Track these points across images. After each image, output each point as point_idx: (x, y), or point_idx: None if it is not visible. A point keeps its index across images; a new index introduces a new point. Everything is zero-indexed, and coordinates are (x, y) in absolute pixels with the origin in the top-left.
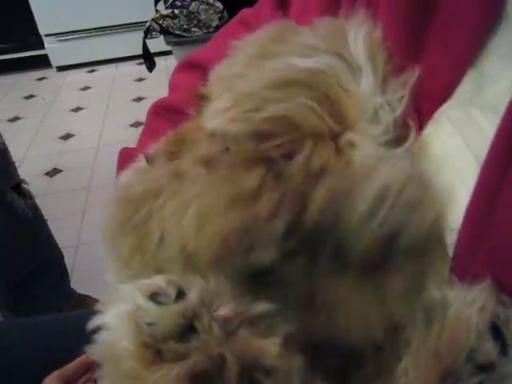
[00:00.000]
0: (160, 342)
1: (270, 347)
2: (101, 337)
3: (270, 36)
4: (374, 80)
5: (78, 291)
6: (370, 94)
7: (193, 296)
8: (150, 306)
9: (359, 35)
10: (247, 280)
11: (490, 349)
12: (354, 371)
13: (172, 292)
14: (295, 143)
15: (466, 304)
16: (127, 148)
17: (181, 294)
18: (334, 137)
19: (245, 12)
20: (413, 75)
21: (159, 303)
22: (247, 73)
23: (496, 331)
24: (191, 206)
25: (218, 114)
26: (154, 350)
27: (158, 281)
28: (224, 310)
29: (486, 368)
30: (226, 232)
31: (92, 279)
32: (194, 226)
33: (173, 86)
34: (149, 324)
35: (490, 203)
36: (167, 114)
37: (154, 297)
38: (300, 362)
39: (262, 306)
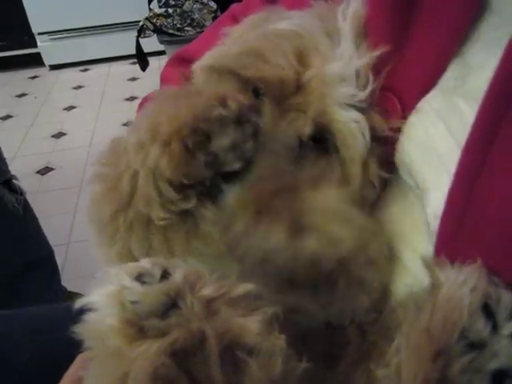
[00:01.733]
0: (143, 319)
1: (251, 325)
2: (88, 316)
3: (258, 17)
4: (352, 46)
5: (68, 289)
6: (345, 57)
7: (177, 276)
8: (135, 285)
9: (346, 11)
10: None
11: (481, 327)
12: (340, 354)
13: (157, 272)
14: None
15: (458, 284)
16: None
17: (166, 275)
18: (297, 72)
19: (234, 7)
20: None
21: (144, 283)
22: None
23: (487, 310)
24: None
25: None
26: (138, 328)
27: (144, 263)
28: (207, 290)
29: (477, 346)
30: (180, 122)
31: (83, 277)
32: (150, 140)
33: (164, 80)
34: (133, 302)
35: (470, 189)
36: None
37: (139, 277)
38: (283, 341)
39: (244, 287)
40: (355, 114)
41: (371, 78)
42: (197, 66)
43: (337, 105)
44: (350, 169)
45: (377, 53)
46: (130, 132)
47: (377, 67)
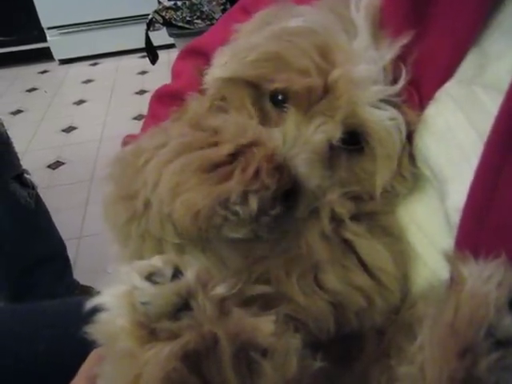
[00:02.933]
0: (154, 320)
1: (264, 326)
2: (99, 317)
3: (268, 14)
4: (369, 39)
5: (81, 282)
6: (363, 49)
7: (189, 275)
8: (146, 285)
9: (360, 1)
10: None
11: (509, 324)
12: (357, 355)
13: (168, 272)
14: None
15: (483, 279)
16: (131, 135)
17: (177, 274)
18: (323, 73)
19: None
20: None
21: (155, 283)
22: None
23: None
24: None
25: (215, 67)
26: (149, 329)
27: (155, 261)
28: (220, 289)
29: (505, 343)
30: (197, 208)
31: (95, 270)
32: (169, 196)
33: (175, 74)
34: (144, 303)
35: (494, 182)
36: (170, 101)
37: (150, 277)
38: (298, 341)
39: (258, 288)
40: (390, 111)
41: (404, 71)
42: (211, 77)
43: (369, 105)
44: (386, 166)
45: (400, 44)
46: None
47: (401, 59)
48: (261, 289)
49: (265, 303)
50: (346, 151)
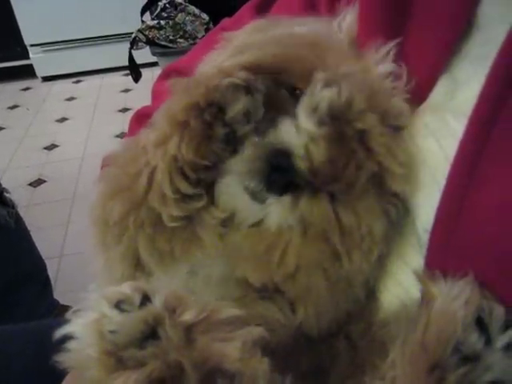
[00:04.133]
0: (122, 349)
1: (231, 351)
2: (69, 345)
3: (261, 23)
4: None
5: (61, 302)
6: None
7: (157, 302)
8: (114, 313)
9: (342, 23)
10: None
11: (475, 341)
12: (330, 370)
13: (137, 299)
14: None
15: (452, 298)
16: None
17: (145, 301)
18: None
19: (225, 21)
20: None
21: (123, 311)
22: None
23: (481, 324)
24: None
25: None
26: (116, 358)
27: (124, 288)
28: (188, 315)
29: (471, 359)
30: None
31: (75, 290)
32: (170, 130)
33: (154, 95)
34: (111, 331)
35: (459, 203)
36: (148, 122)
37: (119, 304)
38: (265, 365)
39: (226, 312)
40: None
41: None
42: (222, 65)
43: None
44: None
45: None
46: (149, 131)
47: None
48: (230, 312)
49: (234, 325)
50: None
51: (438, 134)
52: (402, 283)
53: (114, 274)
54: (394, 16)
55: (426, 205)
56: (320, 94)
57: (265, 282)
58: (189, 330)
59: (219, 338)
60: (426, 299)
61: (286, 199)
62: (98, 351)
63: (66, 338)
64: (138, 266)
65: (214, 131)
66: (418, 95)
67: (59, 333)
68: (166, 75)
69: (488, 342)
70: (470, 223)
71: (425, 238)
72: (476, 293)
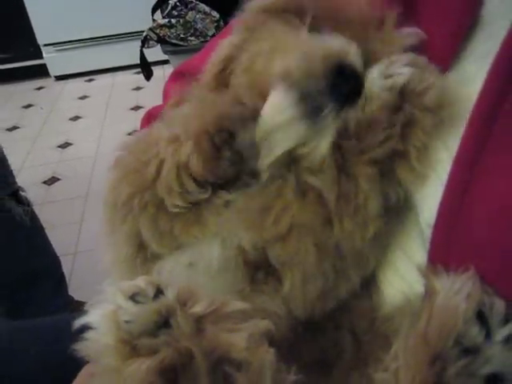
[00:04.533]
0: (136, 338)
1: (237, 341)
2: (87, 335)
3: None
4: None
5: (75, 298)
6: None
7: (169, 294)
8: (129, 305)
9: None
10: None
11: (475, 334)
12: (334, 363)
13: (150, 292)
14: None
15: (454, 292)
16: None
17: (158, 294)
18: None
19: (234, 22)
20: None
21: (138, 302)
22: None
23: (481, 317)
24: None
25: None
26: (131, 346)
27: (138, 282)
28: (198, 308)
29: (472, 351)
30: (208, 123)
31: (90, 286)
32: (183, 137)
33: (165, 95)
34: (126, 322)
35: (461, 199)
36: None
37: (133, 297)
38: (271, 354)
39: (234, 305)
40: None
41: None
42: (254, 6)
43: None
44: None
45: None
46: (164, 127)
47: None
48: (237, 305)
49: (241, 318)
50: None
51: (443, 132)
52: (406, 278)
53: (119, 255)
54: (401, 13)
55: (429, 200)
56: (400, 70)
57: (255, 245)
58: (199, 320)
59: (227, 329)
60: (428, 293)
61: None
62: (114, 340)
63: (84, 328)
64: (140, 247)
65: (222, 153)
66: None
67: (77, 323)
68: (176, 76)
69: (488, 335)
70: (472, 218)
71: (428, 232)
72: (477, 287)
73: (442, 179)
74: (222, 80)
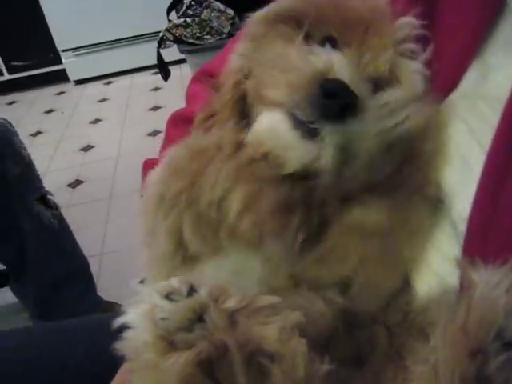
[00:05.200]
0: (172, 333)
1: (269, 334)
2: (126, 334)
3: None
4: None
5: (104, 298)
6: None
7: (202, 292)
8: (164, 303)
9: None
10: None
11: None
12: (369, 357)
13: (184, 290)
14: None
15: (493, 285)
16: (150, 159)
17: (192, 292)
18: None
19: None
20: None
21: (173, 300)
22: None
23: None
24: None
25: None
26: (168, 341)
27: (173, 282)
28: (230, 303)
29: None
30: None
31: (118, 286)
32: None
33: (188, 97)
34: (163, 319)
35: (497, 190)
36: (184, 125)
37: (168, 296)
38: (303, 345)
39: (265, 299)
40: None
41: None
42: (255, 17)
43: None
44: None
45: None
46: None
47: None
48: (268, 299)
49: (272, 311)
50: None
51: (471, 122)
52: (438, 272)
53: (158, 252)
54: (423, 10)
55: (462, 194)
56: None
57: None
58: (231, 315)
59: (259, 322)
60: (465, 286)
61: (341, 128)
62: (151, 336)
63: (121, 328)
64: (180, 246)
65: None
66: (450, 82)
67: (116, 323)
68: (198, 78)
69: None
70: (508, 211)
71: (462, 226)
72: None
73: (474, 172)
74: (239, 91)
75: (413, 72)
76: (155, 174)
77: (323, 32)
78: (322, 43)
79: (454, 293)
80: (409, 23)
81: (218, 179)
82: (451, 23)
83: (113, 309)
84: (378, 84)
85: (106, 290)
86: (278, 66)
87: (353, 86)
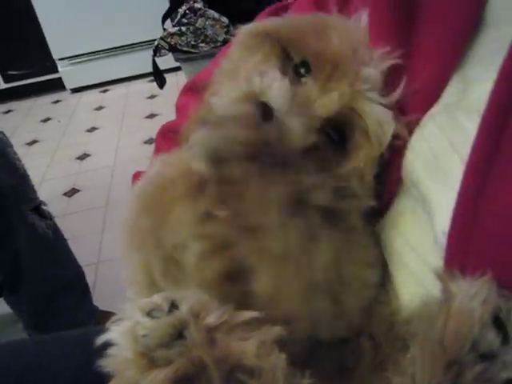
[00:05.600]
0: (153, 350)
1: (248, 349)
2: (109, 351)
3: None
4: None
5: (100, 308)
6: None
7: (183, 308)
8: (146, 320)
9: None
10: None
11: (492, 339)
12: (355, 368)
13: (165, 306)
14: None
15: (470, 296)
16: (139, 171)
17: (173, 308)
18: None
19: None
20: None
21: (154, 317)
22: None
23: (498, 322)
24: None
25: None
26: (149, 358)
27: (155, 298)
28: (210, 319)
29: (488, 357)
30: None
31: (114, 295)
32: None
33: (178, 109)
34: (144, 336)
35: (474, 205)
36: (173, 136)
37: (150, 312)
38: (283, 361)
39: (245, 314)
40: (385, 111)
41: (401, 84)
42: (245, 29)
43: (368, 100)
44: (365, 156)
45: (391, 58)
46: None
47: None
48: (248, 314)
49: (252, 326)
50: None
51: (452, 136)
52: (422, 283)
53: (135, 278)
54: (403, 18)
55: (443, 207)
56: None
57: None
58: (211, 331)
59: (238, 338)
60: (445, 297)
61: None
62: (133, 353)
63: (107, 344)
64: (153, 282)
65: None
66: (430, 96)
67: (100, 340)
68: (188, 89)
69: (505, 340)
70: (487, 224)
71: (443, 239)
72: (494, 292)
73: (454, 185)
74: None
75: (377, 120)
76: (131, 203)
77: (301, 55)
78: (299, 66)
79: (436, 304)
80: (382, 59)
81: (180, 226)
82: (429, 40)
83: (109, 318)
84: (338, 127)
85: (102, 299)
86: (229, 76)
87: (281, 114)
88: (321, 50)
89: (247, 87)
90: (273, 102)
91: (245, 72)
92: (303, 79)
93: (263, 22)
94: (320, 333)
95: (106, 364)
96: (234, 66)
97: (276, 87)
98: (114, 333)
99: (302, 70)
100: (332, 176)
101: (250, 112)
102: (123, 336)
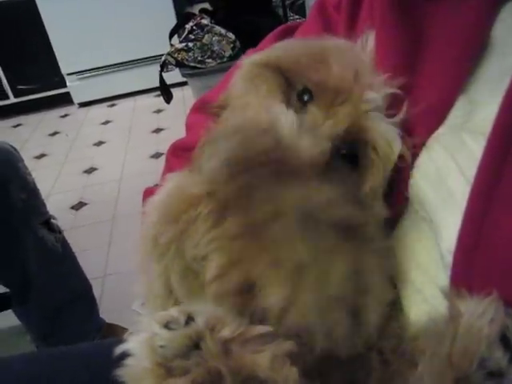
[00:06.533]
0: (170, 360)
1: (262, 360)
2: (127, 361)
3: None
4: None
5: (107, 320)
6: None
7: (199, 321)
8: (163, 331)
9: (365, 45)
10: None
11: (499, 357)
12: (363, 381)
13: (182, 319)
14: None
15: (477, 315)
16: (150, 188)
17: (189, 321)
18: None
19: (250, 51)
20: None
21: (171, 329)
22: None
23: (505, 341)
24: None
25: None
26: (166, 368)
27: (171, 311)
28: (225, 332)
29: (495, 375)
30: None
31: (120, 308)
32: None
33: (188, 127)
34: (161, 346)
35: (480, 226)
36: (184, 154)
37: (167, 324)
38: (295, 373)
39: (259, 328)
40: (392, 128)
41: (404, 107)
42: (248, 61)
43: (374, 118)
44: (377, 175)
45: (396, 84)
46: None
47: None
48: (262, 328)
49: (266, 339)
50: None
51: (458, 157)
52: (429, 300)
53: (152, 291)
54: (410, 39)
55: (449, 226)
56: None
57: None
58: (226, 343)
59: (252, 350)
60: (452, 316)
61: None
62: (151, 363)
63: (122, 355)
64: (171, 292)
65: None
66: (436, 117)
67: (118, 350)
68: (198, 107)
69: None
70: (492, 244)
71: (449, 258)
72: (500, 311)
73: (460, 205)
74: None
75: (384, 136)
76: (154, 208)
77: (303, 84)
78: (302, 93)
79: (444, 322)
80: (385, 83)
81: (200, 238)
82: (436, 66)
83: (115, 331)
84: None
85: (108, 312)
86: (237, 109)
87: (292, 139)
88: (321, 80)
89: (255, 123)
90: (281, 132)
91: (251, 108)
92: (308, 105)
93: (265, 53)
94: (338, 348)
95: (123, 374)
96: (239, 100)
97: (283, 120)
98: (132, 343)
99: (306, 97)
100: (348, 191)
101: (261, 139)
102: (141, 346)
